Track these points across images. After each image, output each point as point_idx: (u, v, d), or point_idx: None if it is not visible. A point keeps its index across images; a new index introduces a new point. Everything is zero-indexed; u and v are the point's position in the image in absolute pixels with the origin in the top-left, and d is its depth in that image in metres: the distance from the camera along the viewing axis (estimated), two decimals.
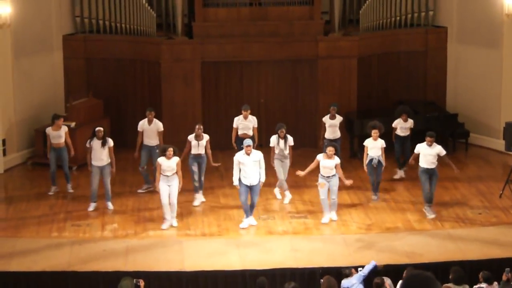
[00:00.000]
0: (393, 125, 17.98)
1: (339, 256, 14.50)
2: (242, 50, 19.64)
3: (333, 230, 15.66)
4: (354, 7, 20.57)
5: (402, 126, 17.94)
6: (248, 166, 15.41)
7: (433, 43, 20.66)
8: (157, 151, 16.46)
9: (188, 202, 16.78)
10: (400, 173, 18.09)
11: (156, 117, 17.43)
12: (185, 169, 16.36)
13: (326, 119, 18.09)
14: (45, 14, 19.47)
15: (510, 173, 17.00)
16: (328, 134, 18.01)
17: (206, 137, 16.61)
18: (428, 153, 16.02)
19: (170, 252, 14.69)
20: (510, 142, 17.26)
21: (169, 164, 15.43)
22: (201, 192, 16.85)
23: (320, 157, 15.69)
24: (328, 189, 15.71)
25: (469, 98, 20.29)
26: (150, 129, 17.22)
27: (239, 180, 15.47)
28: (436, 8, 20.68)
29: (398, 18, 20.50)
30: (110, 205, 16.50)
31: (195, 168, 16.64)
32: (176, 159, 15.48)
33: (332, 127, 18.04)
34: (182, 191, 16.37)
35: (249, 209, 15.65)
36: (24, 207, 16.71)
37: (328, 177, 15.64)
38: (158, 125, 17.27)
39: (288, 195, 16.80)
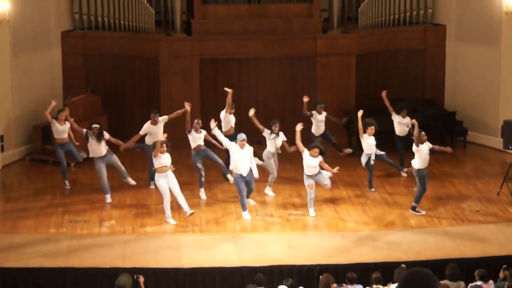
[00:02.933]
0: (392, 117, 17.97)
1: (337, 253, 14.51)
2: (241, 47, 19.64)
3: (330, 227, 15.68)
4: (353, 5, 20.57)
5: (399, 122, 17.92)
6: (241, 158, 15.65)
7: (432, 41, 20.66)
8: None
9: (185, 196, 16.78)
10: (404, 174, 18.04)
11: None
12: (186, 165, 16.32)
13: (314, 113, 18.16)
14: (43, 11, 19.47)
15: (508, 170, 17.02)
16: (314, 130, 18.16)
17: (203, 132, 16.73)
18: (423, 151, 16.01)
19: (168, 249, 14.70)
20: (508, 140, 17.27)
21: (163, 160, 15.47)
22: (202, 189, 16.94)
23: (306, 153, 15.74)
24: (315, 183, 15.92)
25: (467, 96, 20.30)
26: (158, 129, 16.99)
27: (236, 174, 15.73)
28: (435, 6, 20.68)
29: (396, 16, 20.50)
30: (131, 181, 16.64)
31: (200, 165, 16.73)
32: (169, 156, 15.53)
33: (318, 123, 18.13)
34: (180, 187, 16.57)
35: (248, 192, 15.91)
36: (22, 203, 16.72)
37: (315, 175, 15.77)
38: (162, 121, 17.22)
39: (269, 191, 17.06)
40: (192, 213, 15.67)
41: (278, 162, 17.06)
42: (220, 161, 16.79)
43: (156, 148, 15.37)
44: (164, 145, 15.48)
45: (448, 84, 20.73)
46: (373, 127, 16.86)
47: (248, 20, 19.72)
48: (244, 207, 15.88)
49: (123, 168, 16.70)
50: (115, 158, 16.57)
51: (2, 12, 18.18)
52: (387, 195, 17.08)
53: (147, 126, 17.08)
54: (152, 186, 17.18)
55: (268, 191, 17.03)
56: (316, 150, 15.79)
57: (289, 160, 17.55)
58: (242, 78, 19.99)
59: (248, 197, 16.15)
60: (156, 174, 15.61)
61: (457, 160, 19.18)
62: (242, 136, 15.81)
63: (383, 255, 14.39)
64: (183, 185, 17.18)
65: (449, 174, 18.05)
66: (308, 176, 15.84)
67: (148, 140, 17.09)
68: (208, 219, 15.96)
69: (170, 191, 15.59)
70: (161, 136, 15.70)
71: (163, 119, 17.19)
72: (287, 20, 19.71)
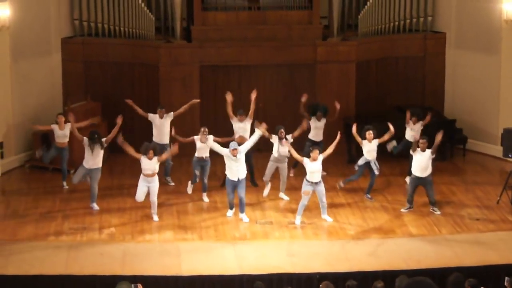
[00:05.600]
0: (406, 125, 18.02)
1: (336, 261, 14.50)
2: (241, 54, 19.65)
3: (330, 235, 15.67)
4: (353, 12, 20.58)
5: (411, 129, 17.92)
6: (235, 164, 15.92)
7: (432, 48, 20.67)
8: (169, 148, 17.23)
9: (185, 203, 16.88)
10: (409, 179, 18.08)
11: None
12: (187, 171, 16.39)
13: (313, 120, 18.19)
14: (43, 17, 19.47)
15: (507, 179, 17.01)
16: (313, 136, 18.17)
17: (210, 138, 16.87)
18: (421, 159, 16.08)
19: (167, 256, 14.69)
20: (508, 148, 17.27)
21: (149, 165, 15.67)
22: (205, 194, 17.15)
23: (306, 161, 15.77)
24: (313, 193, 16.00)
25: (467, 103, 20.31)
26: (162, 123, 17.54)
27: (227, 178, 16.06)
28: (435, 13, 20.69)
29: (396, 23, 20.51)
30: (95, 206, 16.58)
31: (197, 172, 16.98)
32: (156, 160, 15.78)
33: (317, 129, 18.15)
34: (177, 194, 16.89)
35: (240, 207, 16.13)
36: (22, 210, 16.71)
37: (316, 183, 15.80)
38: (169, 114, 17.72)
39: (267, 190, 17.16)
40: (155, 221, 16.07)
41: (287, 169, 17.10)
42: (205, 181, 17.01)
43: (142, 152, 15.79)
44: (151, 151, 15.61)
45: (448, 92, 20.73)
46: (371, 131, 16.88)
47: (248, 27, 19.73)
48: (230, 206, 16.33)
49: (96, 190, 16.58)
50: (97, 178, 16.47)
51: (3, 18, 18.18)
52: (386, 203, 17.08)
53: (153, 116, 17.67)
54: (172, 184, 17.78)
55: (282, 195, 17.13)
56: (316, 151, 15.81)
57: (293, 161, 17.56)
58: (242, 85, 19.99)
59: (242, 211, 16.20)
60: (142, 175, 15.82)
61: (456, 168, 19.18)
62: (233, 145, 16.07)
63: (382, 263, 14.39)
64: (183, 193, 17.29)
65: (449, 182, 18.05)
66: (308, 182, 15.82)
67: (156, 137, 17.56)
68: (208, 227, 15.96)
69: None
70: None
71: (169, 115, 17.68)
72: (287, 27, 19.72)
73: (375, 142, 16.91)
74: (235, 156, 15.88)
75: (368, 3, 20.11)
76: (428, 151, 16.16)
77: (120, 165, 18.66)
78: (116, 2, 19.82)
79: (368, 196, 17.19)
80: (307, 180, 15.85)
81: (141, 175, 15.89)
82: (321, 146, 18.03)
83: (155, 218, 16.12)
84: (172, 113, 17.71)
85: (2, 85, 18.49)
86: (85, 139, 16.47)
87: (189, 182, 17.32)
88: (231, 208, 16.35)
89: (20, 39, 18.80)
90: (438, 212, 16.40)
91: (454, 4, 20.32)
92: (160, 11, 20.15)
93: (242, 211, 16.20)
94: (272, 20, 19.78)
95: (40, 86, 19.49)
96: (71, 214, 16.46)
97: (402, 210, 16.52)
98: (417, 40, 20.64)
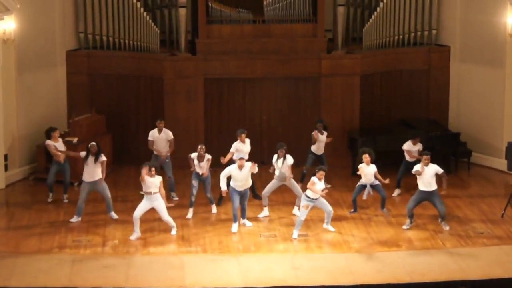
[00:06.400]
0: (404, 147, 17.96)
1: (340, 275, 14.48)
2: (245, 67, 19.68)
3: (334, 248, 15.65)
4: (357, 25, 20.61)
5: (410, 150, 17.92)
6: (241, 176, 16.20)
7: (436, 61, 20.68)
8: (167, 160, 17.61)
9: (187, 218, 16.90)
10: (397, 191, 18.13)
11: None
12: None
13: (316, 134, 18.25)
14: (49, 30, 19.53)
15: None
16: (315, 149, 18.22)
17: (207, 157, 16.97)
18: (424, 173, 16.07)
19: (171, 269, 14.68)
20: None
21: (152, 180, 15.69)
22: (213, 205, 17.28)
23: (316, 180, 15.75)
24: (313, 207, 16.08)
25: (471, 117, 20.30)
26: (160, 138, 17.78)
27: (232, 188, 16.30)
28: (439, 27, 20.71)
29: (401, 36, 20.54)
30: (114, 215, 16.73)
31: (195, 183, 16.97)
32: (159, 178, 15.78)
33: (319, 142, 18.18)
34: (180, 207, 16.95)
35: (242, 213, 16.48)
36: (26, 222, 16.72)
37: (316, 199, 15.87)
38: (168, 133, 17.92)
39: (266, 212, 17.12)
40: (173, 234, 16.13)
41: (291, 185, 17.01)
42: (209, 195, 17.11)
43: (141, 175, 15.66)
44: (153, 169, 15.65)
45: (453, 105, 20.73)
46: (367, 154, 16.77)
47: (253, 40, 19.77)
48: (234, 218, 16.38)
49: (110, 199, 16.71)
50: (104, 186, 16.60)
51: (8, 31, 18.24)
52: (390, 216, 17.04)
53: (152, 133, 17.91)
54: (176, 198, 17.78)
55: (296, 210, 17.06)
56: (322, 173, 15.85)
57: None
58: (246, 98, 20.02)
59: (243, 217, 16.54)
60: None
61: (461, 182, 19.16)
62: (240, 155, 16.62)
63: (386, 276, 14.37)
64: (187, 206, 17.27)
65: (453, 196, 18.02)
66: (309, 198, 15.82)
67: (155, 149, 17.82)
68: (212, 239, 15.95)
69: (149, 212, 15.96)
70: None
71: (167, 133, 17.88)
72: (291, 40, 19.76)
73: (373, 166, 16.81)
74: (241, 169, 16.13)
75: (372, 16, 20.15)
76: (432, 166, 16.12)
77: (124, 177, 18.68)
78: (121, 15, 19.89)
79: (384, 210, 17.11)
80: (307, 196, 15.84)
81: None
82: (323, 159, 18.08)
83: (173, 232, 16.13)
84: (171, 135, 17.86)
85: (8, 97, 18.53)
86: (82, 153, 16.59)
87: (189, 209, 17.11)
88: (235, 221, 16.34)
89: (25, 52, 18.85)
90: (447, 228, 16.35)
91: (459, 17, 20.35)
92: (165, 24, 20.19)
93: (243, 217, 16.53)
94: (276, 33, 19.81)
95: (45, 98, 19.54)
96: (75, 226, 16.47)
97: (404, 227, 16.42)
98: (421, 53, 20.65)
